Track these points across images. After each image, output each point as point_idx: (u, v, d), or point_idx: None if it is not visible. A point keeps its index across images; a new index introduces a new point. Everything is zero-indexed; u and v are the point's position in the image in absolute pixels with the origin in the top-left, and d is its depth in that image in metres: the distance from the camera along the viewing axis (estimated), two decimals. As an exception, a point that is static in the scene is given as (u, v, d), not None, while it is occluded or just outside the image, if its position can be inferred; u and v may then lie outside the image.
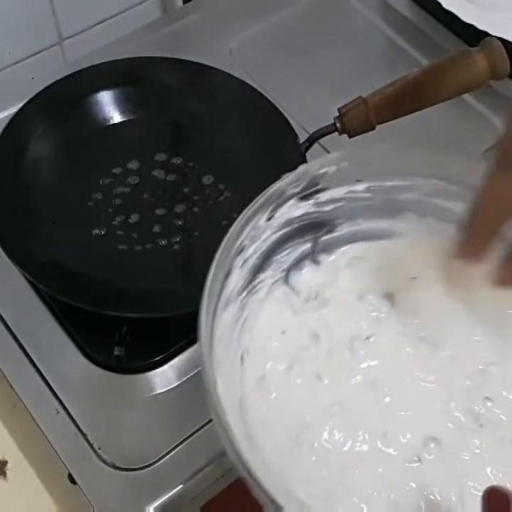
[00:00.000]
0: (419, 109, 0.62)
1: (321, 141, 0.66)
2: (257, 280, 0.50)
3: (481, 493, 0.39)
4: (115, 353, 0.59)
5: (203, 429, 0.58)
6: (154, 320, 0.60)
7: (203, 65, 0.73)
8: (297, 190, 0.49)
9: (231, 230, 0.45)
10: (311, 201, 0.50)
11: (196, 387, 0.60)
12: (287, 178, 0.48)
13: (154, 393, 0.60)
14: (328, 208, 0.51)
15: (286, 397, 0.47)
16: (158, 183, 0.68)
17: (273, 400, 0.47)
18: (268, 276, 0.50)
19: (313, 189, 0.49)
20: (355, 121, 0.62)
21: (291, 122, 0.69)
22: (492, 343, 0.48)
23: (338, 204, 0.51)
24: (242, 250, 0.47)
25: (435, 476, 0.44)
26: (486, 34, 0.69)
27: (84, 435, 0.58)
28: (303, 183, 0.49)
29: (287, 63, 0.80)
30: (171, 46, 0.80)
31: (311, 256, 0.52)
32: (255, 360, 0.48)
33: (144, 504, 0.55)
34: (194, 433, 0.58)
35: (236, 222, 0.45)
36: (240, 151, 0.70)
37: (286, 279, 0.51)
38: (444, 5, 0.80)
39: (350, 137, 0.63)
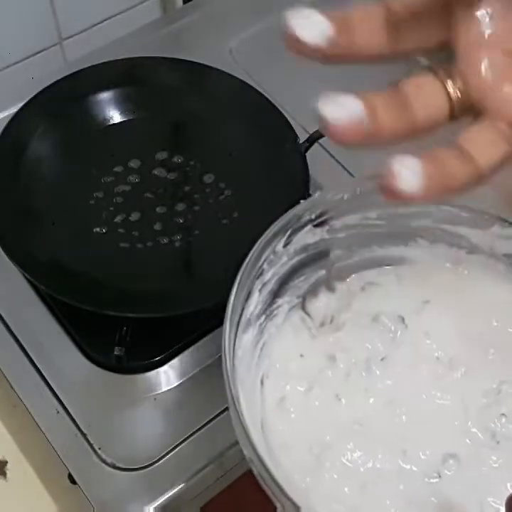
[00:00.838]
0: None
1: (321, 141, 0.66)
2: (275, 305, 0.51)
3: (501, 507, 0.39)
4: (115, 353, 0.59)
5: (203, 429, 0.58)
6: (154, 320, 0.60)
7: (203, 65, 0.73)
8: (312, 216, 0.49)
9: (252, 251, 0.46)
10: (326, 228, 0.51)
11: (196, 387, 0.60)
12: (304, 204, 0.49)
13: (154, 393, 0.60)
14: (342, 235, 0.52)
15: (306, 418, 0.48)
16: (159, 181, 0.69)
17: (293, 420, 0.48)
18: (285, 301, 0.51)
19: (328, 216, 0.50)
20: (355, 121, 0.62)
21: (291, 122, 0.69)
22: (504, 361, 0.49)
23: (352, 231, 0.52)
24: (261, 274, 0.48)
25: (455, 492, 0.45)
26: (486, 34, 0.69)
27: (84, 435, 0.58)
28: (318, 210, 0.49)
29: (287, 63, 0.80)
30: (171, 46, 0.80)
31: (326, 283, 0.53)
32: (274, 382, 0.49)
33: (143, 504, 0.55)
34: (194, 433, 0.58)
35: (256, 244, 0.46)
36: (240, 151, 0.70)
37: (302, 305, 0.52)
38: (444, 5, 0.80)
39: (350, 137, 0.63)
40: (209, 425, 0.58)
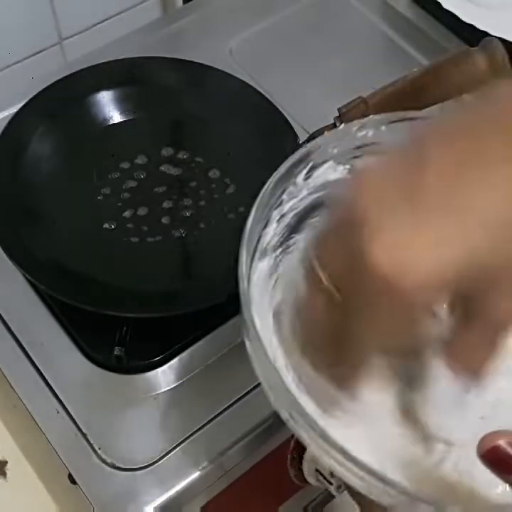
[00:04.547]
0: (420, 109, 0.62)
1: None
2: (292, 240, 0.49)
3: None
4: (115, 353, 0.59)
5: (203, 429, 0.58)
6: (154, 320, 0.60)
7: (203, 65, 0.73)
8: (335, 151, 0.48)
9: (272, 177, 0.45)
10: (348, 166, 0.49)
11: (196, 387, 0.60)
12: (326, 135, 0.48)
13: (154, 393, 0.60)
14: None
15: None
16: (166, 177, 0.69)
17: None
18: (302, 238, 0.50)
19: (351, 154, 0.48)
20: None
21: (291, 122, 0.69)
22: None
23: None
24: (280, 204, 0.47)
25: None
26: (486, 34, 0.69)
27: (84, 435, 0.58)
28: (341, 145, 0.48)
29: (287, 63, 0.80)
30: (171, 46, 0.80)
31: None
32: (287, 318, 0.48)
33: (143, 504, 0.55)
34: (194, 433, 0.58)
35: (276, 171, 0.45)
36: (241, 150, 0.70)
37: None
38: (444, 5, 0.80)
39: (350, 137, 0.63)
40: (209, 425, 0.58)
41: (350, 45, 0.82)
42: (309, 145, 0.47)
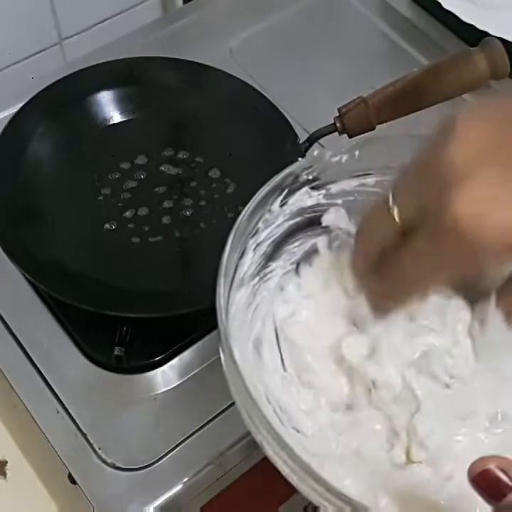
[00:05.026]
0: (420, 109, 0.62)
1: (321, 141, 0.66)
2: (269, 268, 0.50)
3: None
4: (115, 353, 0.59)
5: (203, 429, 0.58)
6: (154, 320, 0.60)
7: (203, 65, 0.73)
8: (310, 177, 0.49)
9: (247, 206, 0.45)
10: (323, 192, 0.50)
11: (196, 387, 0.60)
12: (301, 162, 0.48)
13: (154, 393, 0.60)
14: (338, 201, 0.51)
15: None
16: (166, 177, 0.69)
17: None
18: (279, 265, 0.50)
19: (325, 179, 0.49)
20: (355, 121, 0.62)
21: (291, 122, 0.69)
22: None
23: (349, 197, 0.51)
24: (256, 232, 0.47)
25: None
26: (486, 34, 0.69)
27: (84, 435, 0.58)
28: (315, 171, 0.48)
29: (287, 63, 0.80)
30: (171, 46, 0.80)
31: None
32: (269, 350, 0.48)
33: (143, 504, 0.55)
34: (194, 433, 0.58)
35: (252, 199, 0.46)
36: (241, 151, 0.70)
37: (296, 272, 0.51)
38: (444, 5, 0.80)
39: (350, 137, 0.63)
40: (209, 425, 0.58)
41: (350, 45, 0.82)
42: (284, 173, 0.47)
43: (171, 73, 0.73)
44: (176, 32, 0.84)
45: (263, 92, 0.71)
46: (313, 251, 0.52)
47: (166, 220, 0.66)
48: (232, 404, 0.59)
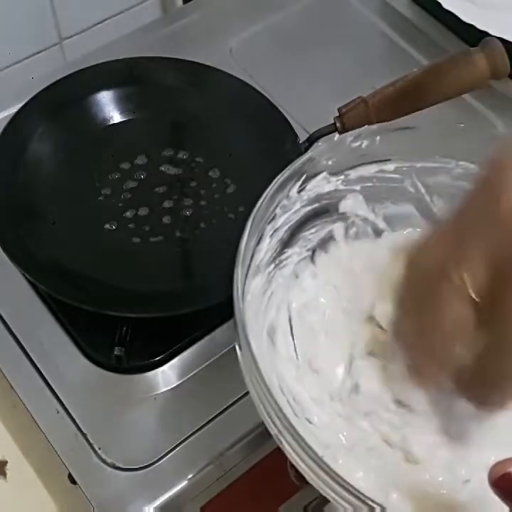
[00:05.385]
0: (420, 109, 0.62)
1: (320, 141, 0.66)
2: (284, 255, 0.49)
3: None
4: (115, 353, 0.59)
5: (203, 429, 0.58)
6: (154, 320, 0.60)
7: (203, 65, 0.73)
8: (329, 162, 0.48)
9: (266, 192, 0.44)
10: (342, 177, 0.49)
11: (196, 387, 0.60)
12: (321, 147, 0.47)
13: (154, 393, 0.60)
14: (357, 187, 0.50)
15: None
16: (165, 177, 0.69)
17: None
18: (295, 252, 0.50)
19: (344, 165, 0.48)
20: (355, 121, 0.62)
21: (291, 122, 0.69)
22: None
23: (368, 183, 0.50)
24: (273, 218, 0.46)
25: None
26: (486, 34, 0.69)
27: (84, 435, 0.58)
28: (335, 156, 0.48)
29: (287, 63, 0.80)
30: (171, 46, 0.80)
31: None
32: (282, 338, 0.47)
33: (143, 504, 0.55)
34: (194, 433, 0.58)
35: (271, 185, 0.45)
36: (241, 150, 0.70)
37: (312, 259, 0.51)
38: (444, 5, 0.80)
39: (350, 137, 0.63)
40: (209, 425, 0.58)
41: (350, 45, 0.82)
42: (303, 158, 0.46)
43: (171, 73, 0.73)
44: (176, 32, 0.84)
45: (263, 92, 0.71)
46: (330, 238, 0.51)
47: (166, 220, 0.66)
48: (232, 404, 0.59)
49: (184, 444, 0.57)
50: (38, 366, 0.60)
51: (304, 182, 0.48)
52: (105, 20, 0.86)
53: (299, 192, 0.48)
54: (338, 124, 0.63)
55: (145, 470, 0.56)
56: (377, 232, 0.52)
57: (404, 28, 0.84)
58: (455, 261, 0.32)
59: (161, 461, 0.57)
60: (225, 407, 0.59)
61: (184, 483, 0.56)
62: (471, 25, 0.77)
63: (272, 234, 0.47)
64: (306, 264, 0.50)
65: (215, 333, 0.62)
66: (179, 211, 0.67)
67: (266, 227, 0.46)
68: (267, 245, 0.47)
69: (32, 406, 0.59)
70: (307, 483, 0.42)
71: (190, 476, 0.56)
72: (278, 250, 0.49)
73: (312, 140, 0.66)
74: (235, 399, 0.59)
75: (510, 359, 0.32)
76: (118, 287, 0.61)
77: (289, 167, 0.46)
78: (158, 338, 0.61)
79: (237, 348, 0.41)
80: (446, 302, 0.33)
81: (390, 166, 0.50)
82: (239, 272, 0.42)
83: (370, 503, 0.35)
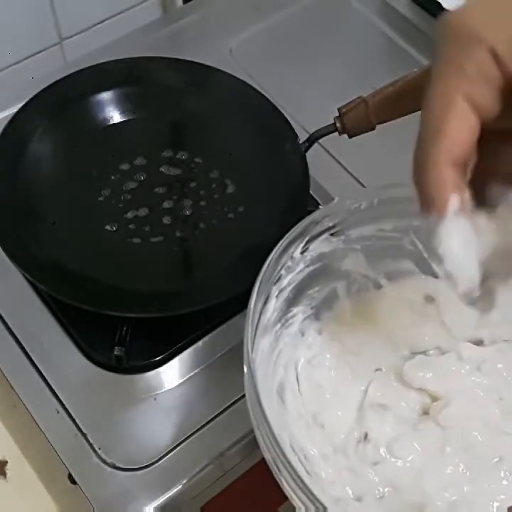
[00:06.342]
0: (420, 109, 0.61)
1: (321, 141, 0.66)
2: (290, 313, 0.51)
3: None
4: (115, 353, 0.59)
5: (203, 429, 0.58)
6: (154, 320, 0.60)
7: (203, 65, 0.73)
8: (330, 224, 0.50)
9: (272, 254, 0.46)
10: (342, 237, 0.51)
11: (196, 387, 0.60)
12: (322, 210, 0.49)
13: (154, 393, 0.60)
14: (357, 246, 0.52)
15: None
16: (165, 178, 0.69)
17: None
18: (300, 311, 0.52)
19: (345, 225, 0.50)
20: (355, 121, 0.62)
21: (291, 122, 0.69)
22: None
23: (367, 242, 0.52)
24: (279, 279, 0.48)
25: None
26: (486, 34, 0.69)
27: (84, 435, 0.58)
28: (336, 217, 0.50)
29: (287, 63, 0.80)
30: (171, 46, 0.80)
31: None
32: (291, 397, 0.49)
33: (143, 504, 0.55)
34: (194, 433, 0.58)
35: (276, 248, 0.47)
36: (240, 151, 0.70)
37: (316, 316, 0.53)
38: (444, 5, 0.80)
39: (350, 137, 0.63)
40: (209, 425, 0.58)
41: (350, 45, 0.82)
42: (306, 221, 0.48)
43: (171, 73, 0.73)
44: (176, 32, 0.84)
45: (263, 92, 0.71)
46: (333, 295, 0.53)
47: (166, 220, 0.66)
48: (232, 404, 0.59)
49: (184, 444, 0.58)
50: (38, 366, 0.60)
51: (306, 243, 0.50)
52: (105, 20, 0.86)
53: (302, 253, 0.50)
54: (338, 124, 0.63)
55: (145, 470, 0.56)
56: (378, 287, 0.54)
57: (404, 28, 0.84)
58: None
59: (161, 461, 0.57)
60: (225, 407, 0.59)
61: (184, 483, 0.56)
62: (471, 25, 0.76)
63: (278, 294, 0.49)
64: (311, 322, 0.52)
65: (215, 333, 0.62)
66: (179, 211, 0.67)
67: (272, 288, 0.48)
68: (274, 305, 0.49)
69: (32, 406, 0.59)
70: None
71: (190, 476, 0.56)
72: (284, 310, 0.51)
73: (312, 140, 0.66)
74: (235, 399, 0.59)
75: None
76: (118, 287, 0.61)
77: (292, 230, 0.48)
78: (158, 338, 0.61)
79: (249, 407, 0.42)
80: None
81: (387, 225, 0.51)
82: (249, 331, 0.43)
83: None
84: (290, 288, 0.50)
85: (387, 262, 0.53)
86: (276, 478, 0.41)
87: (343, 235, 0.51)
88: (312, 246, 0.50)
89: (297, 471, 0.39)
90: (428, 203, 0.35)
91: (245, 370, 0.42)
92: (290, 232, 0.47)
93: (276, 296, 0.49)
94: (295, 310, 0.51)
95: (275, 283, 0.48)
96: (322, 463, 0.46)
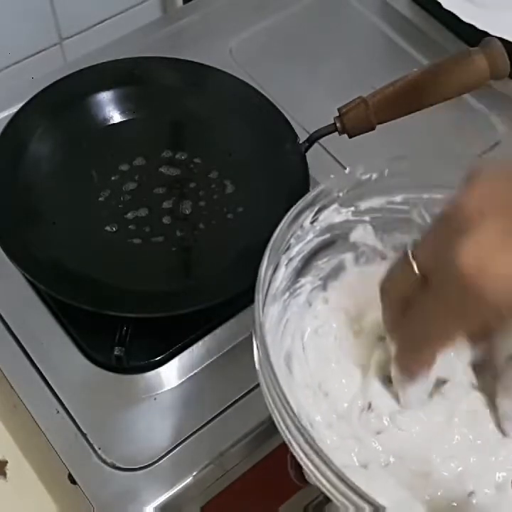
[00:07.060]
0: (419, 109, 0.62)
1: (321, 141, 0.66)
2: (298, 283, 0.51)
3: None
4: (115, 353, 0.59)
5: (203, 429, 0.58)
6: (154, 320, 0.60)
7: (203, 65, 0.73)
8: (340, 194, 0.49)
9: (282, 222, 0.46)
10: (352, 209, 0.51)
11: (196, 387, 0.60)
12: (334, 179, 0.49)
13: (154, 393, 0.60)
14: (366, 218, 0.52)
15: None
16: (165, 178, 0.69)
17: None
18: (308, 281, 0.51)
19: (355, 196, 0.50)
20: (355, 121, 0.62)
21: (291, 122, 0.69)
22: None
23: (377, 214, 0.52)
24: (288, 248, 0.48)
25: None
26: (486, 34, 0.69)
27: (84, 435, 0.58)
28: (346, 187, 0.49)
29: (287, 63, 0.80)
30: (171, 46, 0.80)
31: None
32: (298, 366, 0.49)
33: (143, 504, 0.55)
34: (194, 433, 0.58)
35: (286, 216, 0.46)
36: (240, 151, 0.70)
37: (324, 287, 0.52)
38: (444, 5, 0.80)
39: (350, 137, 0.63)
40: (209, 425, 0.58)
41: (350, 45, 0.83)
42: (316, 190, 0.48)
43: (171, 73, 0.73)
44: (176, 32, 0.84)
45: (263, 92, 0.71)
46: (341, 267, 0.53)
47: (165, 220, 0.66)
48: (232, 404, 0.59)
49: (184, 444, 0.58)
50: (38, 366, 0.60)
51: (316, 213, 0.49)
52: (105, 20, 0.86)
53: (312, 223, 0.49)
54: (338, 124, 0.63)
55: (145, 470, 0.56)
56: (386, 259, 0.54)
57: (404, 28, 0.84)
58: (414, 253, 0.40)
59: (161, 461, 0.57)
60: (225, 407, 0.59)
61: (184, 483, 0.56)
62: (471, 25, 0.77)
63: (287, 263, 0.49)
64: (319, 292, 0.52)
65: (215, 333, 0.62)
66: (179, 212, 0.67)
67: (281, 257, 0.48)
68: (283, 274, 0.48)
69: (32, 406, 0.59)
70: (308, 483, 0.42)
71: (190, 476, 0.56)
72: (292, 279, 0.50)
73: (312, 140, 0.66)
74: (235, 399, 0.59)
75: (421, 320, 0.40)
76: (118, 287, 0.61)
77: (302, 199, 0.47)
78: (158, 338, 0.61)
79: (259, 374, 0.42)
80: (399, 278, 0.42)
81: (398, 198, 0.51)
82: (259, 299, 0.43)
83: (375, 503, 0.36)
84: (299, 258, 0.50)
85: (395, 235, 0.53)
86: (276, 425, 0.41)
87: (353, 207, 0.51)
88: (321, 216, 0.49)
89: (308, 431, 0.39)
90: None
91: (257, 339, 0.42)
92: (300, 201, 0.47)
93: (286, 265, 0.49)
94: (303, 280, 0.51)
95: (285, 252, 0.48)
96: (327, 431, 0.46)
